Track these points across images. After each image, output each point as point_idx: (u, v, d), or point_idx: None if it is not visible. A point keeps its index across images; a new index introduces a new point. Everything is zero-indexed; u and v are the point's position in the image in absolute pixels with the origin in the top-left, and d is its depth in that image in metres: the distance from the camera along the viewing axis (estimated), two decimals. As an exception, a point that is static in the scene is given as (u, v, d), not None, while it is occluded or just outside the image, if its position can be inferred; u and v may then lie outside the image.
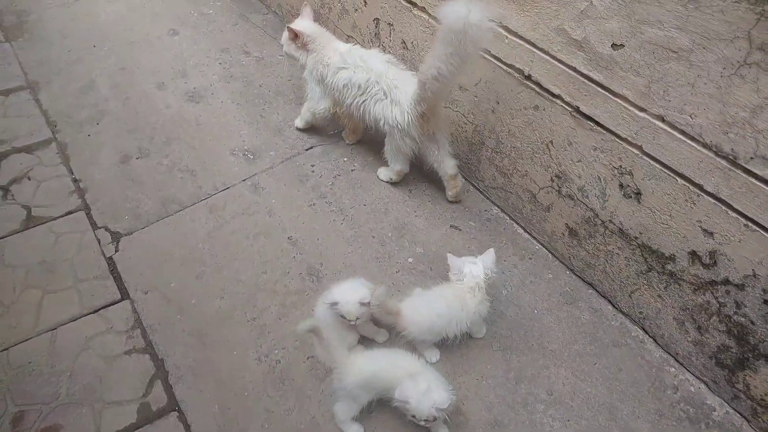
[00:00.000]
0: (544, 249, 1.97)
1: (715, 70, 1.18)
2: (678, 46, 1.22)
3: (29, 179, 2.25)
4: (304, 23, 2.13)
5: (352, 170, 2.30)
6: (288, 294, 1.87)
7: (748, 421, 1.54)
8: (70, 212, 2.14)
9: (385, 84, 1.92)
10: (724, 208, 1.31)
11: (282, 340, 1.74)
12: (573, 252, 1.84)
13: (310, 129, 2.45)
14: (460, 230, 2.06)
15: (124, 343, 1.74)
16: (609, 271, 1.73)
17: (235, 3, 3.29)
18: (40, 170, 2.30)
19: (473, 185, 2.18)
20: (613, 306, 1.79)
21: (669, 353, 1.67)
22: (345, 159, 2.35)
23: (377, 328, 1.72)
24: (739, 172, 1.24)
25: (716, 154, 1.26)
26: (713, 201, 1.32)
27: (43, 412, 1.57)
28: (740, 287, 1.37)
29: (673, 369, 1.66)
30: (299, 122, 2.43)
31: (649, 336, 1.70)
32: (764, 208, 1.23)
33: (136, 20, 3.14)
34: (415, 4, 1.99)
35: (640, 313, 1.70)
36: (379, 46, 2.24)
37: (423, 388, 1.36)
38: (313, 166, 2.32)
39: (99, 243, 2.03)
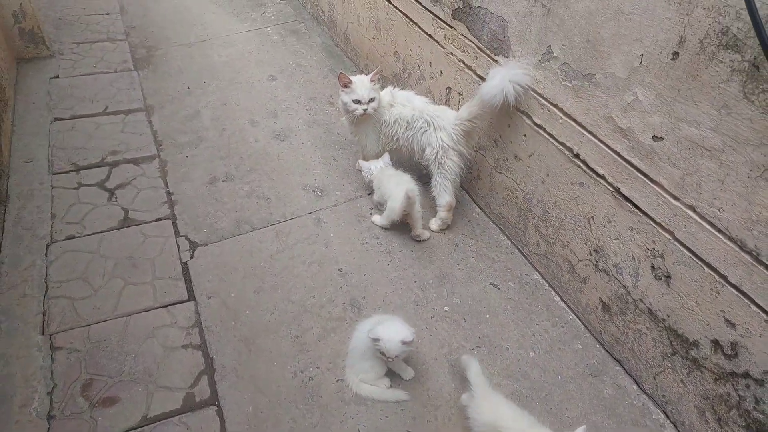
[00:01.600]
0: (577, 319, 2.03)
1: (743, 171, 1.28)
2: (711, 145, 1.34)
3: (132, 186, 2.63)
4: (359, 76, 2.39)
5: (406, 218, 2.50)
6: (330, 319, 2.04)
7: None
8: (159, 219, 2.47)
9: (427, 116, 2.25)
10: (746, 301, 1.36)
11: (317, 360, 1.91)
12: (604, 326, 1.89)
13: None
14: (499, 289, 2.18)
15: (183, 338, 1.97)
16: (636, 350, 1.77)
17: (330, 59, 3.70)
18: (141, 180, 2.68)
19: (518, 248, 2.30)
20: (638, 385, 1.81)
21: (689, 441, 1.67)
22: (402, 207, 2.55)
23: (405, 366, 1.85)
24: (761, 268, 1.30)
25: (741, 248, 1.33)
26: (736, 293, 1.38)
27: (108, 384, 1.81)
28: (760, 382, 1.39)
29: (691, 460, 1.66)
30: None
31: (670, 421, 1.71)
32: (788, 307, 1.28)
33: (243, 65, 3.61)
34: (483, 79, 2.23)
35: (663, 396, 1.71)
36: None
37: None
38: (371, 209, 2.54)
39: (178, 249, 2.32)
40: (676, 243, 1.51)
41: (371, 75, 2.31)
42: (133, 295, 2.12)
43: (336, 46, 3.74)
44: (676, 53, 1.35)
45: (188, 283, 2.18)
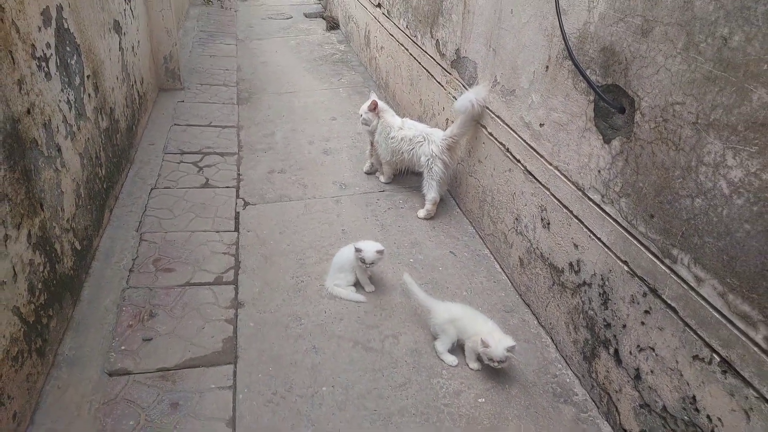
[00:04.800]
0: (506, 278, 2.65)
1: (576, 135, 1.97)
2: (563, 122, 2.04)
3: (215, 168, 3.67)
4: (378, 101, 3.35)
5: (401, 208, 3.29)
6: (326, 254, 2.81)
7: (597, 406, 1.97)
8: (228, 187, 3.45)
9: (425, 133, 3.09)
10: (581, 225, 1.98)
11: (311, 273, 2.67)
12: (521, 279, 2.50)
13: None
14: (455, 255, 2.85)
15: (225, 249, 2.83)
16: (536, 290, 2.36)
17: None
18: (222, 165, 3.72)
19: (478, 233, 2.98)
20: (537, 320, 2.37)
21: (562, 355, 2.19)
22: (401, 200, 3.36)
23: (370, 282, 2.56)
24: (586, 199, 1.94)
25: (576, 188, 1.99)
26: (577, 221, 2.00)
27: (170, 261, 2.68)
28: (590, 285, 1.96)
29: (560, 365, 2.17)
30: (383, 178, 3.55)
31: (553, 341, 2.24)
32: (599, 225, 1.90)
33: (315, 109, 4.75)
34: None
35: (550, 323, 2.26)
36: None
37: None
38: (378, 200, 3.37)
39: (236, 204, 3.26)
40: (551, 196, 2.18)
41: (369, 103, 3.30)
42: (199, 223, 3.04)
43: (386, 101, 4.80)
44: (547, 66, 2.15)
45: (237, 222, 3.08)
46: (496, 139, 2.64)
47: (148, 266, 2.64)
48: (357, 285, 2.57)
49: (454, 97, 3.16)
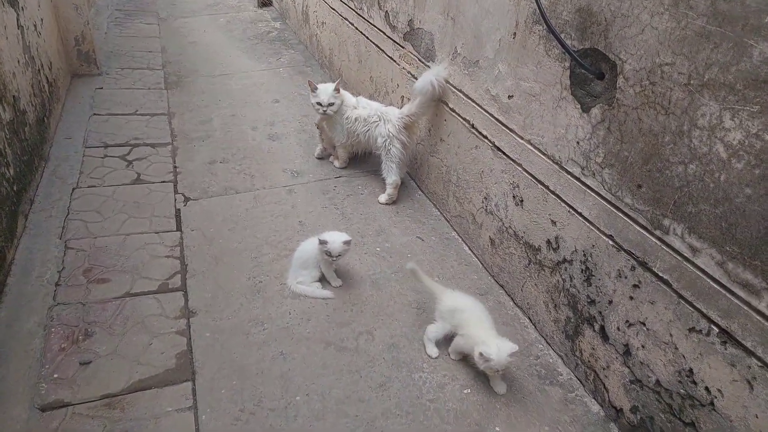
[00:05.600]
0: (477, 260, 2.54)
1: (550, 105, 1.85)
2: (535, 92, 1.92)
3: (147, 161, 3.30)
4: (326, 84, 3.04)
5: (361, 194, 3.09)
6: (284, 249, 2.58)
7: (583, 384, 1.92)
8: (164, 181, 3.10)
9: (380, 112, 2.88)
10: (559, 201, 1.88)
11: (268, 272, 2.43)
12: (493, 260, 2.39)
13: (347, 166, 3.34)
14: (423, 240, 2.71)
15: (167, 251, 2.52)
16: (510, 270, 2.26)
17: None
18: (155, 158, 3.35)
19: (443, 216, 2.85)
20: (513, 301, 2.28)
21: (542, 335, 2.11)
22: (360, 187, 3.16)
23: (336, 276, 2.36)
24: (563, 173, 1.85)
25: (552, 161, 1.88)
26: (554, 197, 1.90)
27: (103, 271, 2.35)
28: (570, 262, 1.88)
29: (541, 345, 2.10)
30: (338, 163, 3.32)
31: (531, 322, 2.17)
32: (580, 199, 1.81)
33: (254, 92, 4.41)
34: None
35: (527, 303, 2.18)
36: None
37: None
38: (335, 187, 3.15)
39: (175, 200, 2.93)
40: (524, 172, 2.07)
41: (335, 84, 3.01)
42: (134, 224, 2.70)
43: (331, 80, 4.54)
44: (515, 33, 2.01)
45: (178, 220, 2.76)
46: (459, 115, 2.49)
47: (77, 278, 2.30)
48: (322, 280, 2.36)
49: (409, 72, 2.98)
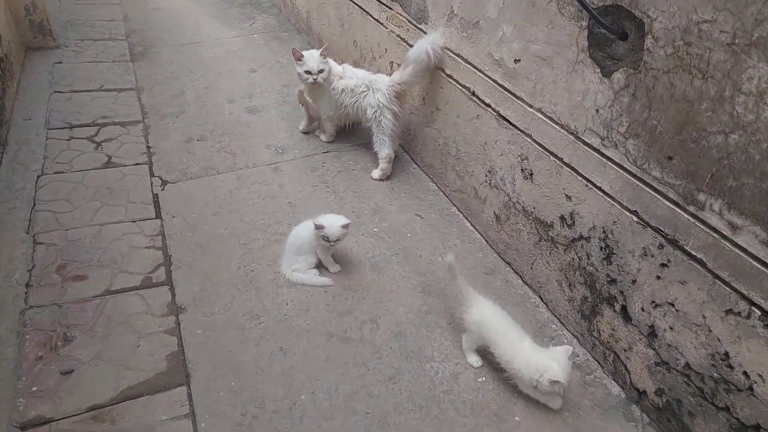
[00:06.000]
0: (481, 237, 2.41)
1: (564, 69, 1.68)
2: (546, 55, 1.74)
3: (117, 141, 3.04)
4: (311, 51, 2.79)
5: (353, 170, 2.91)
6: (275, 233, 2.40)
7: (601, 366, 1.84)
8: (138, 164, 2.86)
9: (368, 81, 2.67)
10: (575, 174, 1.74)
11: (260, 260, 2.26)
12: (498, 236, 2.27)
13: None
14: (422, 218, 2.56)
15: (147, 242, 2.32)
16: (518, 248, 2.14)
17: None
18: (126, 137, 3.09)
19: (442, 191, 2.70)
20: (522, 279, 2.17)
21: (555, 315, 2.02)
22: (351, 162, 2.97)
23: (333, 262, 2.21)
24: (580, 143, 1.70)
25: (567, 131, 1.73)
26: (569, 170, 1.76)
27: (79, 267, 2.15)
28: (588, 239, 1.76)
29: (554, 326, 2.00)
30: (324, 137, 3.11)
31: (543, 301, 2.07)
32: (600, 172, 1.68)
33: (228, 60, 4.11)
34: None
35: (538, 282, 2.07)
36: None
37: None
38: (324, 163, 2.95)
39: (152, 184, 2.70)
40: (534, 143, 1.92)
41: (321, 50, 2.77)
42: (108, 212, 2.48)
43: (311, 47, 4.26)
44: (523, -11, 1.83)
45: (157, 206, 2.55)
46: (457, 82, 2.31)
47: (50, 276, 2.10)
48: (319, 266, 2.21)
49: (398, 36, 2.76)
